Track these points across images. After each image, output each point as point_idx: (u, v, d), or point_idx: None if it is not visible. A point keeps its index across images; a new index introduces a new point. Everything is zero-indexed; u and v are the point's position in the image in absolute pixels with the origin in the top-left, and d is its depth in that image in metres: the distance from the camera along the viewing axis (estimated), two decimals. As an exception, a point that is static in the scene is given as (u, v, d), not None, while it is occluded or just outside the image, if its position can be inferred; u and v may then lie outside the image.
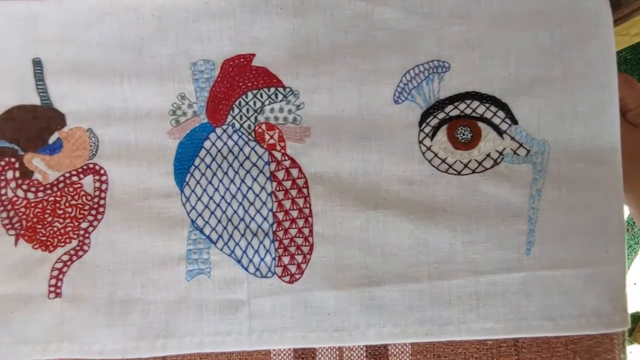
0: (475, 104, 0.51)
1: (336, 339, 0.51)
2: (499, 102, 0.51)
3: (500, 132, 0.51)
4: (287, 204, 0.51)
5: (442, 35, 0.51)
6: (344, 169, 0.51)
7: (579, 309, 0.51)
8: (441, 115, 0.51)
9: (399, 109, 0.51)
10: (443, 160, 0.51)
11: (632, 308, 1.24)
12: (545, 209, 0.51)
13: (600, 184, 0.51)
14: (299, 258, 0.51)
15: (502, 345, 0.52)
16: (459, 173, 0.51)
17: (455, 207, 0.50)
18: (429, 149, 0.51)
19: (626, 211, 0.51)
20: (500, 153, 0.51)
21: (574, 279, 0.51)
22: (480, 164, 0.51)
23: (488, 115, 0.51)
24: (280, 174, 0.51)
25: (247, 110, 0.51)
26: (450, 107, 0.51)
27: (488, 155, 0.51)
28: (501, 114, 0.51)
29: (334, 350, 0.53)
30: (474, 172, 0.51)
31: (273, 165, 0.51)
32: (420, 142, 0.51)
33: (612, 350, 0.53)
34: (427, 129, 0.51)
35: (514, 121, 0.51)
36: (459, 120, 0.51)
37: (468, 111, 0.51)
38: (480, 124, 0.51)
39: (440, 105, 0.51)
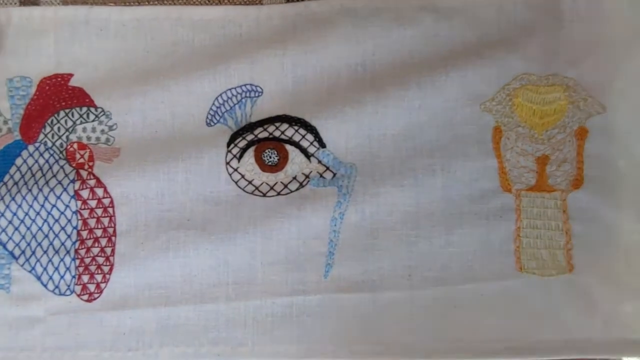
0: (285, 126, 0.51)
1: (129, 359, 0.49)
2: (307, 125, 0.50)
3: (308, 155, 0.50)
4: (92, 222, 0.51)
5: (257, 60, 0.51)
6: (150, 189, 0.50)
7: (375, 334, 0.49)
8: (249, 137, 0.51)
9: (210, 131, 0.51)
10: (250, 182, 0.50)
11: None
12: (346, 232, 0.50)
13: (406, 207, 0.50)
14: (99, 277, 0.50)
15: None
16: (264, 195, 0.50)
17: (257, 229, 0.50)
18: (235, 170, 0.50)
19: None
20: (307, 176, 0.50)
21: (371, 303, 0.49)
22: (286, 186, 0.50)
23: (296, 138, 0.50)
24: (85, 193, 0.51)
25: (59, 129, 0.51)
26: (259, 129, 0.51)
27: (294, 178, 0.50)
28: (310, 137, 0.50)
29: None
30: (279, 194, 0.50)
31: (77, 184, 0.51)
32: (228, 163, 0.50)
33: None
34: (235, 150, 0.50)
35: (322, 144, 0.50)
36: (267, 142, 0.51)
37: (277, 133, 0.51)
38: (288, 147, 0.50)
39: (249, 127, 0.51)
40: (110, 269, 0.50)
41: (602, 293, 0.50)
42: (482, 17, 0.50)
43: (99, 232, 0.51)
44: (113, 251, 0.50)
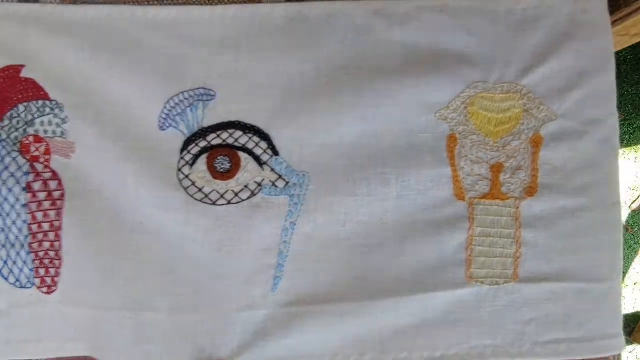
0: (238, 133, 0.50)
1: (89, 351, 0.50)
2: (261, 133, 0.50)
3: (261, 163, 0.50)
4: (39, 216, 0.51)
5: (210, 64, 0.50)
6: (106, 188, 0.50)
7: (321, 349, 0.49)
8: (203, 144, 0.50)
9: (163, 136, 0.50)
10: (200, 189, 0.50)
11: (631, 308, 1.22)
12: (298, 243, 0.50)
13: (360, 217, 0.50)
14: (52, 271, 0.51)
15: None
16: (214, 203, 0.50)
17: (206, 238, 0.49)
18: (187, 177, 0.50)
19: (625, 213, 0.50)
20: (259, 184, 0.50)
21: (321, 315, 0.50)
22: (237, 195, 0.50)
23: (250, 145, 0.50)
24: (37, 186, 0.50)
25: (18, 122, 0.51)
26: (212, 136, 0.50)
27: (246, 186, 0.50)
28: (263, 144, 0.50)
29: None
30: (229, 203, 0.50)
31: (31, 177, 0.50)
32: (179, 169, 0.50)
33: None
34: (188, 157, 0.50)
35: (276, 152, 0.50)
36: (220, 149, 0.50)
37: (230, 141, 0.50)
38: (241, 154, 0.50)
39: (203, 133, 0.50)
40: (61, 263, 0.51)
41: (544, 298, 0.50)
42: (435, 25, 0.49)
43: (46, 226, 0.51)
44: (61, 246, 0.50)
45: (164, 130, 0.50)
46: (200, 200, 0.50)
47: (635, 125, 1.15)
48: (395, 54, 0.49)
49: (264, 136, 0.50)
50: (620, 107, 0.50)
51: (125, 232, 0.50)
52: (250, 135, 0.50)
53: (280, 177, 0.50)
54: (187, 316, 0.50)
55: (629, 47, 0.69)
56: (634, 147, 1.19)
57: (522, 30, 0.49)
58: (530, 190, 0.50)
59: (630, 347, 1.23)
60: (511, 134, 0.50)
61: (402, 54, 0.49)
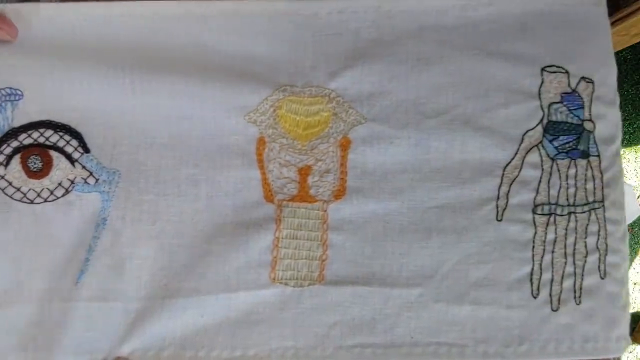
0: (49, 132, 0.50)
1: None
2: (73, 131, 0.50)
3: (72, 161, 0.50)
4: None
5: (14, 63, 0.51)
6: None
7: (119, 344, 0.50)
8: (15, 144, 0.51)
9: None
10: (18, 189, 0.51)
11: (631, 308, 1.25)
12: (106, 239, 0.51)
13: (170, 216, 0.51)
14: None
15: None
16: (32, 202, 0.51)
17: (26, 236, 0.50)
18: (2, 177, 0.51)
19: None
20: (72, 181, 0.51)
21: (122, 312, 0.50)
22: (52, 192, 0.51)
23: (61, 143, 0.51)
24: None
25: None
26: (24, 136, 0.51)
27: (60, 184, 0.51)
28: (75, 142, 0.50)
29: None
30: (45, 200, 0.51)
31: None
32: (-5, 170, 0.50)
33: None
34: (1, 158, 0.51)
35: (87, 150, 0.50)
36: (32, 148, 0.51)
37: (41, 140, 0.50)
38: (52, 153, 0.50)
39: (14, 133, 0.51)
40: None
41: (350, 301, 0.51)
42: (243, 29, 0.50)
43: None
44: None
45: None
46: (20, 200, 0.51)
47: (635, 125, 1.15)
48: (206, 56, 0.50)
49: (75, 134, 0.50)
50: (621, 107, 0.50)
51: None
52: (61, 133, 0.50)
53: (91, 174, 0.51)
54: (15, 309, 0.50)
55: (629, 47, 0.69)
56: (634, 147, 1.19)
57: (327, 35, 0.49)
58: (339, 194, 0.51)
59: (630, 347, 1.27)
60: (319, 137, 0.51)
61: (212, 58, 0.49)
